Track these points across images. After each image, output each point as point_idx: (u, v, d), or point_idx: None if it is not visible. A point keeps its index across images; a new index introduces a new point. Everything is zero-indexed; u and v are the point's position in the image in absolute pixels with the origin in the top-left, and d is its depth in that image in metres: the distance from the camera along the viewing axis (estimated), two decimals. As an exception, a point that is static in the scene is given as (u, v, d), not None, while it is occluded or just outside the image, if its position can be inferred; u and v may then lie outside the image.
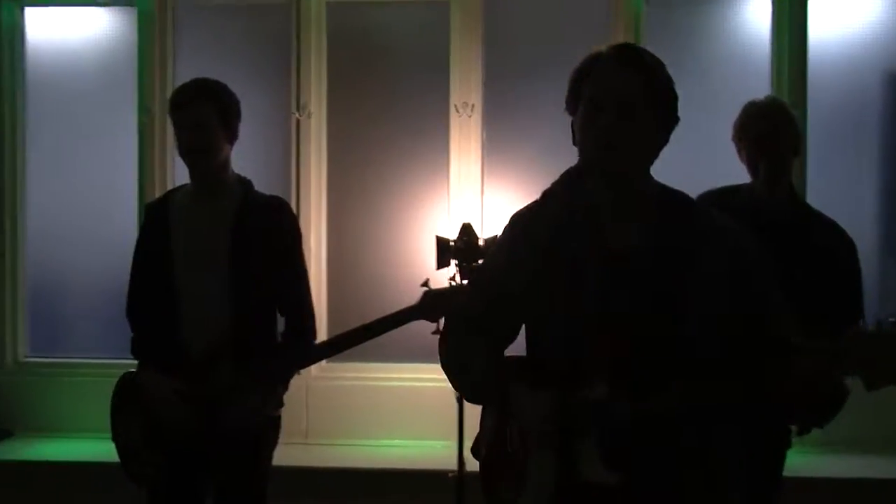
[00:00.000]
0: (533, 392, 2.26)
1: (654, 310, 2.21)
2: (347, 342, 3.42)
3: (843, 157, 5.35)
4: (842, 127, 5.34)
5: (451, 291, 3.45)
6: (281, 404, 3.56)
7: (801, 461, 3.84)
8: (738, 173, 3.69)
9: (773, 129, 3.55)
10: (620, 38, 5.23)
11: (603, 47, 2.31)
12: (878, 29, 5.38)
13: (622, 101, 2.21)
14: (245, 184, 3.54)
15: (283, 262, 3.48)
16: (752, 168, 3.59)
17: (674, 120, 2.31)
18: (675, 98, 2.29)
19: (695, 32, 5.36)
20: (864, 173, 5.46)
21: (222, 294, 3.40)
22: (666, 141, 2.32)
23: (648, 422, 2.18)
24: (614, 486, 2.17)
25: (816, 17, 5.32)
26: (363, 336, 3.41)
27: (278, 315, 3.55)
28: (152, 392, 3.38)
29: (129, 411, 3.44)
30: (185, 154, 3.43)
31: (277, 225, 3.50)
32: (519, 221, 2.46)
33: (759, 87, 5.23)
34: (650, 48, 5.08)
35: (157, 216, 3.55)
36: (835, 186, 5.25)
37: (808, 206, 3.74)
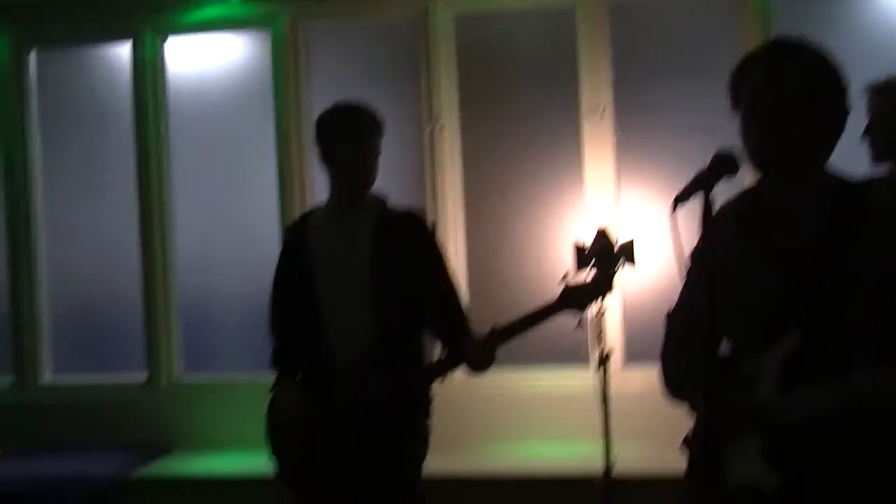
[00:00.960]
0: (715, 392, 2.24)
1: (826, 309, 2.18)
2: (502, 338, 3.45)
3: None
4: None
5: (592, 285, 3.47)
6: (429, 414, 3.61)
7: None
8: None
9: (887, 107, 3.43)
10: (750, 34, 5.16)
11: (761, 45, 2.30)
12: None
13: (777, 98, 2.19)
14: (381, 200, 3.62)
15: (428, 271, 3.54)
16: (877, 152, 3.47)
17: (842, 111, 2.25)
18: (842, 89, 2.24)
19: (827, 24, 5.23)
20: None
21: (365, 308, 3.47)
22: (838, 133, 2.27)
23: (815, 425, 2.16)
24: (771, 490, 2.16)
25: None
26: (515, 332, 3.44)
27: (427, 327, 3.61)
28: (286, 406, 3.50)
29: (283, 428, 3.55)
30: (360, 185, 3.51)
31: (416, 236, 3.57)
32: (712, 222, 2.44)
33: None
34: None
35: (297, 236, 3.65)
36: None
37: None
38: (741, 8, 5.25)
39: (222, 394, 5.66)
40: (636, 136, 5.37)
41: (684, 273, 2.49)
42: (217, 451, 5.48)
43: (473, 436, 5.35)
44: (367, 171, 3.48)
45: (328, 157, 3.52)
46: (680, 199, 2.19)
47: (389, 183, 5.33)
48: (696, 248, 2.42)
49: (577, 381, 5.12)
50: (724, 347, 2.36)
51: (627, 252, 3.65)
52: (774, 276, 2.25)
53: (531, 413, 5.32)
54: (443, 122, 5.43)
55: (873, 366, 2.15)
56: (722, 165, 2.17)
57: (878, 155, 3.50)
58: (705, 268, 2.19)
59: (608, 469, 3.90)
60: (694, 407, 2.44)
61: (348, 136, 3.46)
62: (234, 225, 5.82)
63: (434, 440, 3.72)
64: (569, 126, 5.40)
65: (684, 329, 2.47)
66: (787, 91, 2.20)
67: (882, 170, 3.58)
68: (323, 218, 3.63)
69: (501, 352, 3.54)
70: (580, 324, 3.48)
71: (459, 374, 5.12)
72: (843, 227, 2.21)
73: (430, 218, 5.33)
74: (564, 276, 3.48)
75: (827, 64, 2.24)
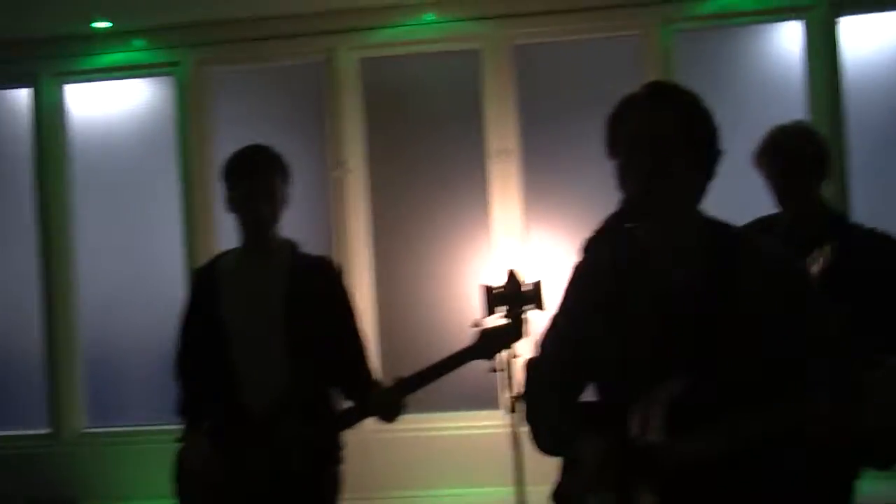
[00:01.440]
0: (594, 437, 2.24)
1: (707, 351, 2.19)
2: (412, 387, 3.42)
3: (885, 173, 5.30)
4: (882, 147, 5.29)
5: (504, 329, 3.46)
6: (341, 460, 3.57)
7: (873, 488, 3.76)
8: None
9: (793, 154, 3.50)
10: (652, 73, 5.25)
11: (636, 89, 2.29)
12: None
13: (657, 141, 2.19)
14: (292, 245, 3.58)
15: (339, 319, 3.52)
16: (782, 198, 3.54)
17: (716, 154, 2.27)
18: (714, 132, 2.26)
19: (727, 62, 5.36)
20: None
21: (280, 354, 3.42)
22: (711, 176, 2.28)
23: (704, 465, 2.15)
24: None
25: (848, 36, 5.31)
26: (427, 379, 3.41)
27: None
28: (194, 456, 3.43)
29: (192, 481, 3.48)
30: (252, 224, 3.46)
31: (329, 284, 3.53)
32: (577, 271, 2.44)
33: (795, 110, 5.22)
34: (682, 77, 5.15)
35: (205, 281, 3.59)
36: (879, 206, 5.20)
37: (844, 222, 3.67)
38: (644, 47, 5.34)
39: (128, 445, 5.54)
40: (543, 177, 5.41)
41: (554, 319, 2.49)
42: (122, 504, 5.35)
43: (385, 482, 5.31)
44: (262, 208, 3.42)
45: (227, 198, 3.48)
46: (587, 247, 2.23)
47: (297, 228, 5.32)
48: (576, 291, 2.42)
49: (489, 425, 5.12)
50: (608, 393, 2.36)
51: (536, 293, 3.66)
52: (656, 321, 2.25)
53: (442, 458, 5.29)
54: (349, 165, 5.41)
55: (759, 406, 2.17)
56: (630, 211, 2.18)
57: (783, 196, 3.54)
58: (585, 315, 2.22)
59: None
60: (566, 454, 2.43)
61: (241, 174, 3.42)
62: (138, 271, 5.73)
63: (349, 487, 3.66)
64: (476, 168, 5.43)
65: (556, 375, 2.46)
66: (666, 135, 2.19)
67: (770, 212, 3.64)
68: (233, 262, 3.57)
69: (412, 397, 3.52)
70: (494, 368, 3.44)
71: (370, 421, 5.12)
72: (721, 269, 2.24)
73: (337, 262, 5.30)
74: (477, 323, 3.45)
75: (701, 107, 2.25)
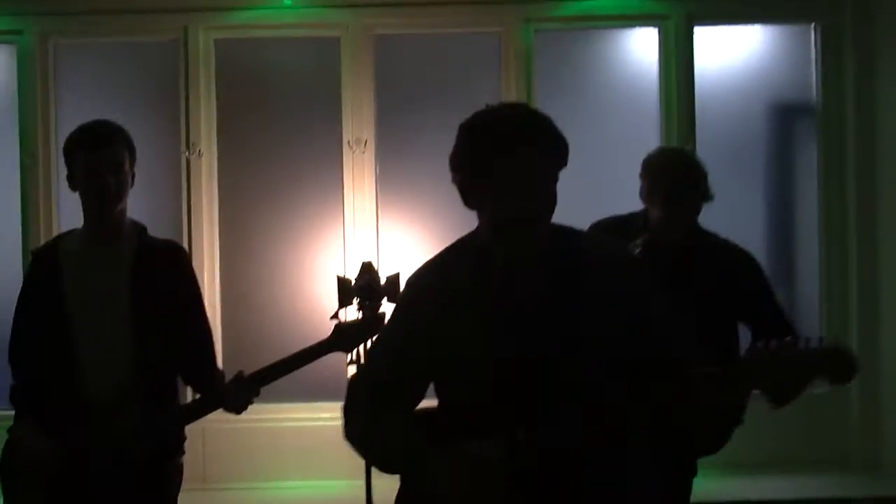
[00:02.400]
0: (452, 446, 2.24)
1: (556, 352, 2.23)
2: (264, 379, 3.35)
3: (730, 187, 5.43)
4: (729, 156, 5.44)
5: (362, 323, 3.44)
6: (182, 451, 3.48)
7: (707, 486, 3.87)
8: (630, 201, 3.73)
9: (689, 188, 3.57)
10: (512, 70, 5.29)
11: (494, 104, 2.35)
12: (761, 61, 5.53)
13: (536, 168, 2.23)
14: (140, 228, 3.46)
15: (185, 307, 3.42)
16: (663, 223, 3.59)
17: (565, 164, 2.32)
18: (567, 147, 2.30)
19: (584, 63, 5.44)
20: (750, 202, 5.58)
21: (125, 341, 3.31)
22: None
23: (560, 462, 2.20)
24: None
25: (702, 47, 5.44)
26: (279, 372, 3.35)
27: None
28: (26, 447, 3.28)
29: (22, 474, 3.32)
30: (96, 197, 3.31)
31: (176, 270, 3.43)
32: (417, 283, 2.44)
33: (648, 115, 5.34)
34: (540, 80, 5.20)
35: (46, 262, 3.43)
36: (723, 215, 5.32)
37: (703, 232, 3.77)
38: (503, 43, 5.36)
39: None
40: (397, 169, 5.39)
41: (388, 332, 2.51)
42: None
43: (230, 473, 5.23)
44: (108, 180, 3.29)
45: (70, 173, 3.34)
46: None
47: (145, 209, 5.16)
48: (410, 308, 2.44)
49: (338, 417, 5.06)
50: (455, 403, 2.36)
51: (392, 287, 3.62)
52: (500, 326, 2.27)
53: (289, 450, 5.23)
54: (200, 147, 5.27)
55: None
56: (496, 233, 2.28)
57: (667, 218, 3.61)
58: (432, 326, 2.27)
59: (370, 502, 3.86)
60: (398, 469, 2.42)
61: (86, 146, 3.28)
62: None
63: (188, 478, 3.57)
64: (330, 157, 5.36)
65: (394, 390, 2.42)
66: (548, 164, 2.26)
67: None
68: (76, 243, 3.42)
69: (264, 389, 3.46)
70: (352, 361, 3.42)
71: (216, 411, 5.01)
72: (564, 275, 2.29)
73: (185, 246, 5.18)
74: (335, 315, 3.42)
75: (556, 127, 2.30)
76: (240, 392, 3.32)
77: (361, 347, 3.55)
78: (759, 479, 5.00)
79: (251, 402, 3.36)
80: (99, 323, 3.32)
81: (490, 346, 2.25)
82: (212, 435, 5.18)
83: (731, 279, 3.56)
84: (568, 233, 2.38)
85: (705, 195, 3.63)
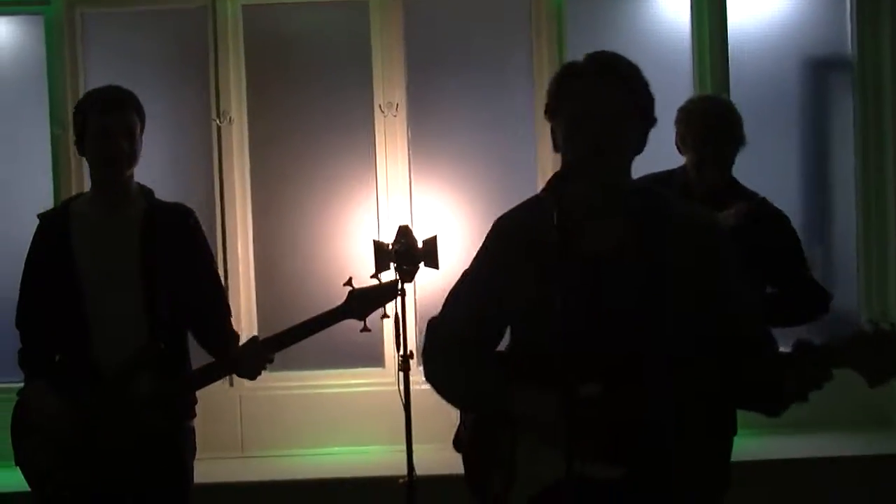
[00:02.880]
0: (534, 391, 2.29)
1: (636, 307, 2.26)
2: (276, 345, 3.34)
3: (764, 144, 5.36)
4: (763, 113, 5.36)
5: (377, 289, 3.43)
6: (193, 414, 3.48)
7: (747, 444, 3.86)
8: (668, 159, 3.70)
9: (722, 128, 3.57)
10: (543, 34, 5.24)
11: (580, 58, 2.35)
12: (795, 15, 5.44)
13: (608, 110, 2.25)
14: (147, 193, 3.45)
15: (195, 268, 3.42)
16: (699, 166, 3.59)
17: (652, 122, 2.37)
18: (652, 101, 2.34)
19: (616, 25, 5.37)
20: (785, 159, 5.51)
21: (136, 306, 3.32)
22: (645, 142, 2.38)
23: (642, 417, 2.23)
24: (613, 480, 2.22)
25: (734, 4, 5.36)
26: (292, 338, 3.35)
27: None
28: (38, 408, 3.29)
29: (34, 434, 3.32)
30: (109, 161, 3.30)
31: (185, 232, 3.43)
32: (503, 228, 2.51)
33: (682, 76, 5.28)
34: (571, 41, 5.14)
35: (54, 226, 3.42)
36: (757, 172, 5.26)
37: (739, 186, 3.76)
38: (534, 8, 5.29)
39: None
40: (429, 135, 5.34)
41: (468, 274, 2.56)
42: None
43: (268, 440, 5.23)
44: (117, 145, 3.28)
45: (82, 138, 3.33)
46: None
47: (176, 177, 5.17)
48: (490, 253, 2.50)
49: (375, 382, 5.08)
50: (537, 349, 2.36)
51: (430, 251, 3.60)
52: (583, 281, 2.27)
53: (327, 416, 5.22)
54: (231, 115, 5.25)
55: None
56: (577, 171, 2.25)
57: (703, 162, 3.60)
58: (510, 269, 2.28)
59: (411, 470, 3.85)
60: (483, 408, 2.46)
61: (102, 109, 3.28)
62: (5, 217, 5.43)
63: (224, 444, 3.58)
64: (362, 122, 5.32)
65: (471, 331, 2.48)
66: (615, 111, 2.27)
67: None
68: (86, 207, 3.42)
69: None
70: (366, 327, 3.40)
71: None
72: (647, 233, 2.32)
73: (218, 215, 5.17)
74: (349, 281, 3.40)
75: (643, 80, 2.35)
76: (253, 357, 3.32)
77: (387, 312, 3.55)
78: (798, 438, 4.96)
79: (264, 368, 3.35)
80: (108, 286, 3.32)
81: (562, 293, 2.22)
82: (248, 402, 5.19)
83: (765, 236, 3.54)
84: (654, 192, 2.42)
85: (740, 140, 3.62)
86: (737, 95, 5.22)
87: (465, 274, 2.59)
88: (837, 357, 2.12)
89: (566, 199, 2.29)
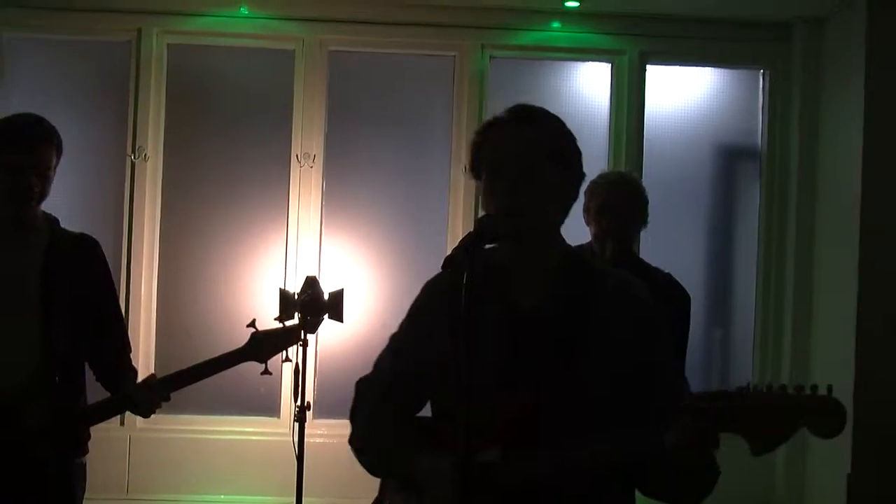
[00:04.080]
0: (433, 456, 2.20)
1: (556, 371, 2.19)
2: (173, 384, 3.30)
3: (673, 225, 5.49)
4: (674, 194, 5.50)
5: (279, 332, 3.40)
6: (86, 450, 3.41)
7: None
8: (580, 233, 3.75)
9: (623, 202, 3.63)
10: (465, 94, 5.31)
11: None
12: (710, 104, 5.60)
13: (523, 163, 2.18)
14: (52, 221, 3.40)
15: (99, 301, 3.36)
16: (600, 239, 3.64)
17: (579, 176, 2.28)
18: (578, 154, 2.27)
19: (537, 93, 5.44)
20: (692, 241, 5.64)
21: (32, 336, 3.24)
22: (575, 198, 2.29)
23: (536, 486, 2.15)
24: None
25: (653, 85, 5.50)
26: (190, 378, 3.30)
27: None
28: None
29: None
30: (18, 200, 3.24)
31: (88, 263, 3.37)
32: (427, 287, 2.41)
33: (598, 150, 5.37)
34: (492, 103, 5.21)
35: None
36: (665, 253, 5.38)
37: (643, 263, 3.82)
38: (458, 66, 5.37)
39: None
40: (344, 186, 5.37)
41: (395, 336, 2.46)
42: None
43: (156, 484, 5.13)
44: (26, 181, 3.22)
45: None
46: (447, 264, 2.16)
47: (87, 209, 5.10)
48: (422, 311, 2.39)
49: (270, 432, 5.03)
50: (446, 412, 2.33)
51: (335, 303, 3.60)
52: (505, 338, 2.24)
53: (218, 463, 5.15)
54: (146, 152, 5.21)
55: (601, 433, 2.17)
56: (485, 231, 2.16)
57: (605, 237, 3.65)
58: (431, 332, 2.16)
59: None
60: (388, 473, 2.40)
61: (17, 144, 3.21)
62: None
63: (110, 485, 3.51)
64: (278, 170, 5.33)
65: (393, 394, 2.42)
66: (534, 154, 2.19)
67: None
68: None
69: (188, 397, 3.40)
70: (266, 370, 3.38)
71: (139, 418, 4.94)
72: (575, 295, 2.25)
73: (125, 249, 5.11)
74: (252, 322, 3.37)
75: (566, 130, 2.27)
76: (148, 394, 3.27)
77: (292, 359, 3.53)
78: None
79: (158, 407, 3.30)
80: (6, 315, 3.24)
81: (485, 359, 2.20)
82: (138, 444, 5.10)
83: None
84: (582, 258, 2.36)
85: (640, 218, 3.68)
86: (649, 175, 5.34)
87: (392, 336, 2.56)
88: (729, 422, 1.98)
89: (485, 259, 2.29)
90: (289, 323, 3.59)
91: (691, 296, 3.83)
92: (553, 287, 2.26)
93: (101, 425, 3.40)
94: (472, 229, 2.18)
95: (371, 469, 2.43)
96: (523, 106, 2.29)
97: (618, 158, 5.36)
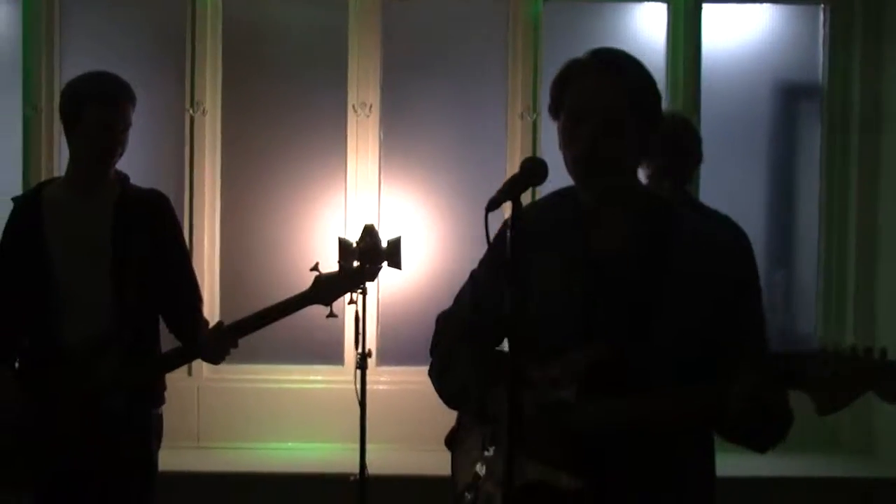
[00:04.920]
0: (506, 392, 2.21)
1: (631, 317, 2.20)
2: (241, 330, 3.36)
3: (732, 166, 5.44)
4: (732, 134, 5.44)
5: (342, 275, 3.43)
6: (163, 401, 3.49)
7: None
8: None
9: (676, 140, 3.59)
10: (519, 40, 5.27)
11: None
12: (768, 39, 5.50)
13: (606, 114, 2.19)
14: (123, 179, 3.46)
15: (167, 255, 3.43)
16: (655, 178, 3.62)
17: (656, 122, 2.28)
18: (657, 99, 2.27)
19: (592, 34, 5.39)
20: (752, 182, 5.58)
21: (105, 288, 3.32)
22: (649, 144, 2.29)
23: (610, 429, 2.18)
24: (571, 491, 2.16)
25: (710, 25, 5.42)
26: (257, 324, 3.37)
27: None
28: None
29: None
30: (104, 156, 3.31)
31: (158, 218, 3.44)
32: (511, 225, 2.43)
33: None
34: (547, 48, 5.17)
35: (27, 210, 3.43)
36: (724, 194, 5.33)
37: (702, 205, 3.79)
38: (512, 12, 5.32)
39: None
40: (401, 136, 5.37)
41: (475, 274, 2.50)
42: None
43: (223, 432, 5.22)
44: (115, 139, 3.29)
45: (74, 122, 3.32)
46: (491, 207, 2.15)
47: (147, 164, 5.17)
48: (495, 251, 2.37)
49: (334, 380, 5.09)
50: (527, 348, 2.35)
51: (393, 251, 3.62)
52: (586, 283, 2.25)
53: (284, 411, 5.23)
54: (205, 106, 5.25)
55: (674, 383, 2.19)
56: (532, 173, 2.16)
57: (663, 175, 3.62)
58: (508, 271, 2.13)
59: (363, 468, 3.87)
60: (465, 405, 2.43)
61: (98, 100, 3.27)
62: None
63: (180, 434, 3.58)
64: (335, 119, 5.33)
65: (465, 329, 2.45)
66: (618, 106, 2.19)
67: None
68: (60, 191, 3.43)
69: (254, 347, 3.45)
70: (332, 313, 3.42)
71: (208, 367, 5.03)
72: (654, 240, 2.25)
73: (186, 203, 5.17)
74: (315, 266, 3.41)
75: (649, 77, 2.27)
76: (217, 342, 3.33)
77: (353, 303, 3.57)
78: (746, 458, 4.97)
79: (228, 354, 3.36)
80: (79, 270, 3.33)
81: (564, 301, 2.24)
82: (206, 393, 5.20)
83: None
84: (666, 206, 2.34)
85: (694, 155, 3.64)
86: (707, 116, 5.30)
87: (472, 271, 2.57)
88: (798, 384, 2.00)
89: (570, 201, 2.29)
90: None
91: (751, 237, 3.79)
92: (635, 229, 2.26)
93: (170, 376, 3.48)
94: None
95: (448, 401, 2.48)
96: (608, 51, 2.28)
97: (675, 100, 5.29)
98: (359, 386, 3.79)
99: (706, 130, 5.25)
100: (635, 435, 2.19)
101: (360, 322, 3.75)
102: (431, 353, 2.55)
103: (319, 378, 5.21)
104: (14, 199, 3.50)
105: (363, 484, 3.86)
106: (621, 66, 2.24)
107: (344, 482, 3.91)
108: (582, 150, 2.20)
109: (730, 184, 5.37)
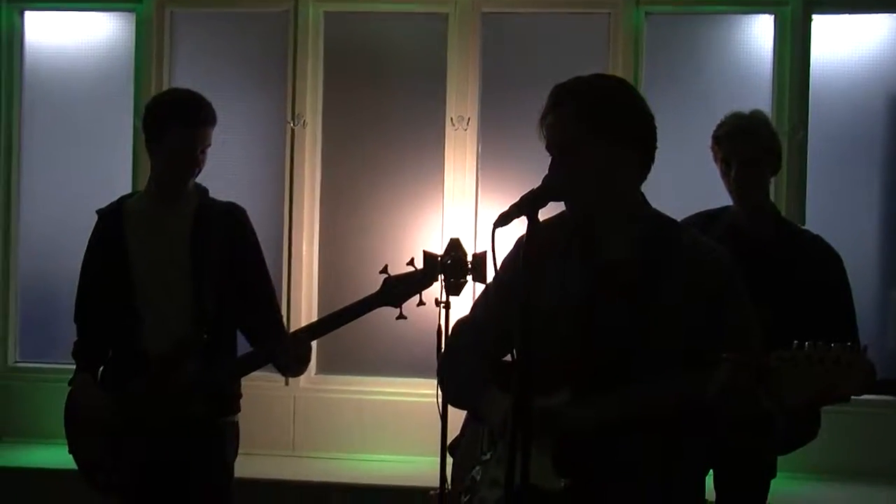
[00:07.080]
0: (501, 395, 2.31)
1: (629, 323, 2.24)
2: (312, 332, 3.39)
3: (844, 181, 5.28)
4: (843, 149, 5.29)
5: (411, 277, 3.43)
6: (238, 408, 3.53)
7: (787, 488, 3.78)
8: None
9: (746, 143, 3.45)
10: (620, 53, 5.21)
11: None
12: (882, 51, 5.32)
13: (558, 143, 2.29)
14: (202, 191, 3.53)
15: (244, 266, 3.48)
16: (733, 193, 3.49)
17: (639, 139, 2.30)
18: (628, 114, 2.28)
19: (696, 49, 5.31)
20: (865, 198, 5.38)
21: (184, 297, 3.40)
22: (641, 160, 2.32)
23: (600, 432, 2.22)
24: (558, 491, 2.21)
25: (820, 37, 5.27)
26: (330, 325, 3.38)
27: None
28: (84, 401, 3.39)
29: (81, 425, 3.42)
30: (186, 175, 3.40)
31: (235, 230, 3.50)
32: (518, 241, 2.51)
33: (761, 105, 5.16)
34: (648, 61, 5.10)
35: (110, 222, 3.53)
36: (835, 211, 5.19)
37: (790, 224, 3.66)
38: (612, 25, 5.28)
39: (58, 383, 5.40)
40: (498, 150, 5.36)
41: (488, 284, 2.59)
42: (48, 443, 5.18)
43: (312, 442, 5.29)
44: (194, 160, 3.37)
45: (157, 140, 3.40)
46: (501, 222, 2.20)
47: (248, 175, 5.27)
48: (511, 261, 2.45)
49: (425, 394, 5.09)
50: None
51: (477, 265, 3.61)
52: (588, 289, 2.30)
53: (372, 423, 5.27)
54: (305, 119, 5.33)
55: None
56: (549, 191, 2.17)
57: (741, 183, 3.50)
58: (521, 280, 2.17)
59: (443, 482, 3.85)
60: (475, 410, 2.50)
61: (180, 122, 3.34)
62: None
63: (277, 443, 3.63)
64: (434, 134, 5.36)
65: (480, 336, 2.51)
66: (566, 133, 2.27)
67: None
68: (141, 204, 3.52)
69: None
70: (401, 315, 3.41)
71: (306, 377, 5.09)
72: (651, 250, 2.30)
73: (286, 215, 5.24)
74: (385, 268, 3.42)
75: (613, 94, 2.30)
76: (287, 347, 3.35)
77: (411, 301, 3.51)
78: (823, 486, 4.85)
79: (302, 361, 3.38)
80: (160, 280, 3.40)
81: (564, 305, 2.29)
82: (302, 402, 5.27)
83: (821, 278, 3.39)
84: (667, 222, 2.39)
85: (766, 153, 3.46)
86: (817, 131, 5.16)
87: (487, 283, 2.63)
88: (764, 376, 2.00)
89: (571, 222, 2.36)
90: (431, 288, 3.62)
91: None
92: (625, 243, 2.33)
93: (266, 385, 3.54)
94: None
95: (451, 402, 2.62)
96: (555, 86, 2.37)
97: (781, 114, 5.16)
98: (440, 399, 3.78)
99: (816, 146, 5.13)
100: (624, 435, 2.23)
101: (442, 336, 3.74)
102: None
103: (410, 391, 5.23)
104: (98, 212, 3.59)
105: (442, 498, 3.84)
106: (568, 94, 2.31)
107: (423, 495, 3.90)
108: (553, 181, 2.26)
109: (841, 201, 5.21)
